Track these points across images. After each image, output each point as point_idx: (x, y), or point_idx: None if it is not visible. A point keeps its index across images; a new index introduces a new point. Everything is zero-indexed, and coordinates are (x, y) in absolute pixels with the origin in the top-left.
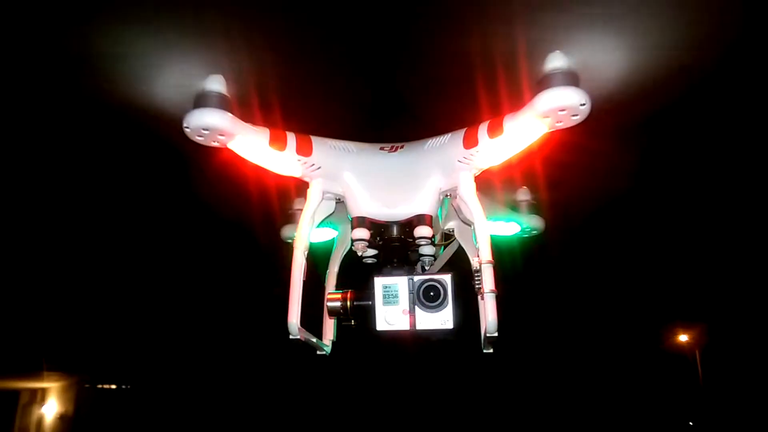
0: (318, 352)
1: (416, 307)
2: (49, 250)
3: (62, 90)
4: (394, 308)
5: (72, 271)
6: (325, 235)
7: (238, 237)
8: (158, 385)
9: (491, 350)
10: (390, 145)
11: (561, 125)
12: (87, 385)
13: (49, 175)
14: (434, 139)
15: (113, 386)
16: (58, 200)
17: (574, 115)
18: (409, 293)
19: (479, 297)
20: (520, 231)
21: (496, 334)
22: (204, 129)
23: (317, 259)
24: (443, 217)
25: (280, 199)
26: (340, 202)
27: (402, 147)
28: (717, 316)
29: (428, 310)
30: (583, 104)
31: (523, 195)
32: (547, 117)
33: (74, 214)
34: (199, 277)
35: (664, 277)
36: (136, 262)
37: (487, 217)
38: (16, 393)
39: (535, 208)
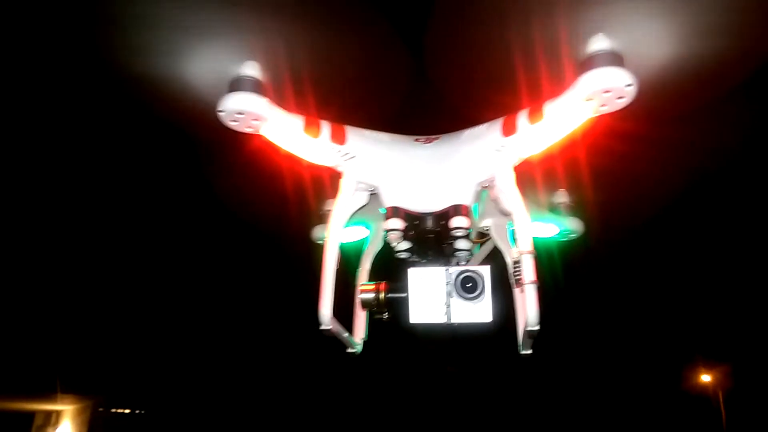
0: (348, 350)
1: (452, 299)
2: (66, 266)
3: (91, 68)
4: (430, 300)
5: (91, 290)
6: (357, 234)
7: (266, 239)
8: (173, 411)
9: (530, 351)
10: (425, 137)
11: (605, 109)
12: (101, 409)
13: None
14: (471, 130)
15: (127, 410)
16: (74, 200)
17: (619, 98)
18: (446, 284)
19: (518, 290)
20: (559, 234)
21: (537, 328)
22: (239, 113)
23: (349, 259)
24: (479, 213)
25: (311, 200)
26: (373, 193)
27: (437, 138)
28: (742, 357)
29: (465, 301)
30: (629, 85)
31: (562, 197)
32: (591, 99)
33: (91, 218)
34: (224, 287)
35: (693, 306)
36: (157, 276)
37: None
38: (31, 415)
39: (575, 211)
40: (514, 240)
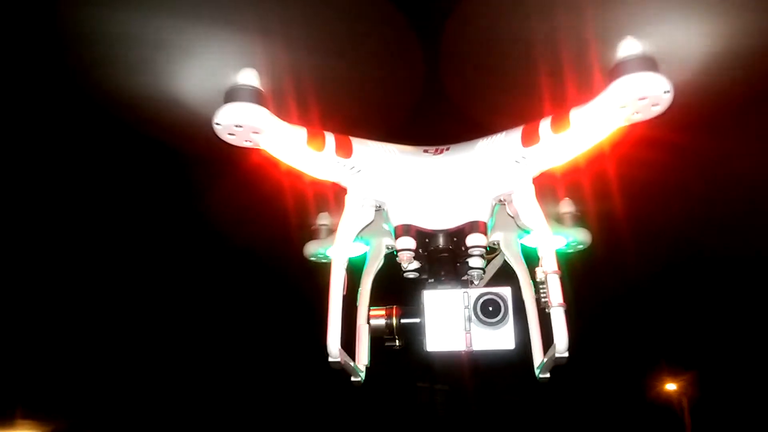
0: (353, 379)
1: (473, 324)
2: (37, 282)
3: (75, 79)
4: (448, 326)
5: (54, 302)
6: (355, 250)
7: (256, 256)
8: None
9: (548, 376)
10: (434, 147)
11: (639, 117)
12: None
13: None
14: (486, 139)
15: None
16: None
17: (654, 105)
18: (464, 309)
19: (545, 310)
20: (566, 246)
21: (566, 355)
22: (237, 125)
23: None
24: (490, 228)
25: (302, 214)
26: (379, 210)
27: (447, 149)
28: (708, 364)
29: (486, 327)
30: (667, 92)
31: (568, 206)
32: (625, 107)
33: (71, 228)
34: (206, 306)
35: (663, 316)
36: (131, 290)
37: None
38: None
39: (582, 221)
40: (524, 255)
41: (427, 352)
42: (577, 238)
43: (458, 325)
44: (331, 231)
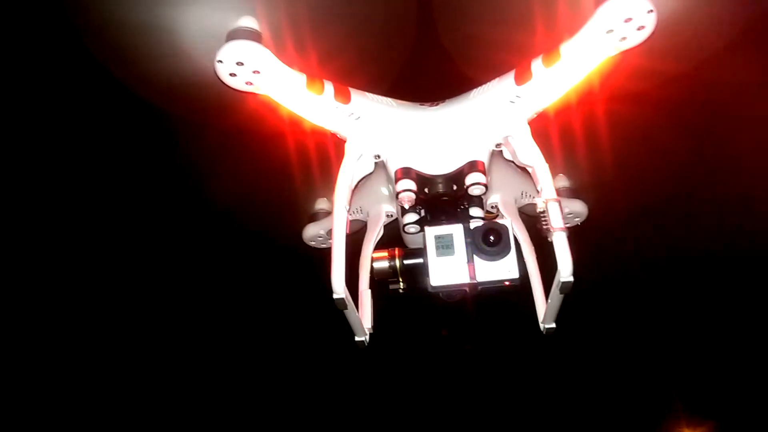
0: (356, 338)
1: (475, 256)
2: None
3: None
4: (450, 260)
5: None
6: (353, 226)
7: (254, 241)
8: None
9: (554, 326)
10: (429, 102)
11: (625, 43)
12: None
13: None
14: (480, 88)
15: None
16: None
17: (640, 27)
18: (466, 242)
19: (548, 239)
20: None
21: (571, 279)
22: (239, 63)
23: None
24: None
25: (301, 199)
26: (378, 160)
27: (443, 102)
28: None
29: (489, 258)
30: (651, 11)
31: (563, 181)
32: (611, 31)
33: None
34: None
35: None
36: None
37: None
38: None
39: (578, 194)
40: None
41: (432, 287)
42: (573, 210)
43: (461, 258)
44: (329, 214)
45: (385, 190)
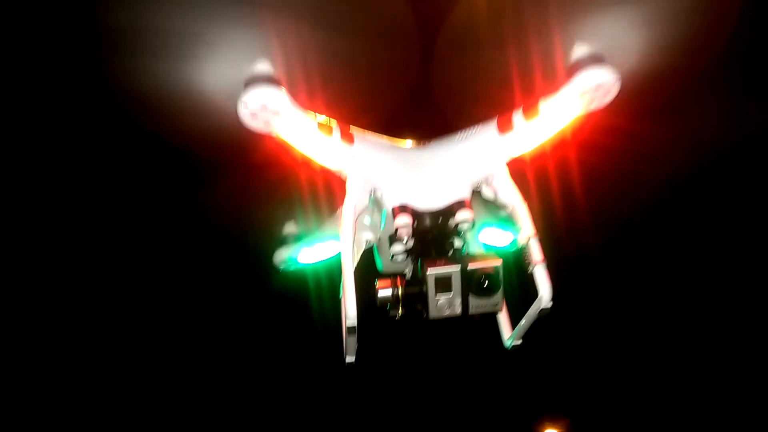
0: (347, 359)
1: (470, 295)
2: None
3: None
4: (447, 297)
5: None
6: (332, 250)
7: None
8: None
9: (519, 342)
10: (416, 140)
11: (594, 105)
12: None
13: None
14: (464, 132)
15: None
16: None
17: (606, 93)
18: (462, 283)
19: (528, 271)
20: (512, 242)
21: (550, 305)
22: (262, 107)
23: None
24: None
25: (273, 223)
26: (373, 196)
27: (429, 142)
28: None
29: (481, 297)
30: (616, 81)
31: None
32: (584, 95)
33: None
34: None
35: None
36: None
37: (480, 224)
38: None
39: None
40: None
41: (430, 318)
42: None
43: (456, 296)
44: (297, 238)
45: (366, 220)
